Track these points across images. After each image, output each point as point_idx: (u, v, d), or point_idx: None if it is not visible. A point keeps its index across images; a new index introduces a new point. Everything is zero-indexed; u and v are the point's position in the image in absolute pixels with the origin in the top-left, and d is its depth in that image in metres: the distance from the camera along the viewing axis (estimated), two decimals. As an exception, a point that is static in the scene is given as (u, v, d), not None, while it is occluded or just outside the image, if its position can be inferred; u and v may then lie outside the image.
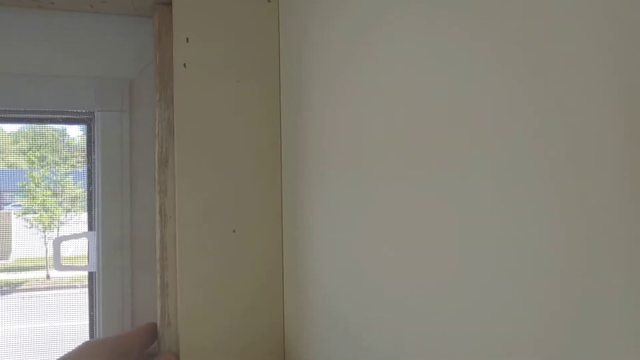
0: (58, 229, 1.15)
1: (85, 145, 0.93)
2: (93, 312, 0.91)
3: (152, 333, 0.84)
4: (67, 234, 0.91)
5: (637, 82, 0.26)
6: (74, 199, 1.14)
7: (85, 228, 1.13)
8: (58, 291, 1.18)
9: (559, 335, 0.32)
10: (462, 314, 0.43)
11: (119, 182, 0.86)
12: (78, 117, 0.89)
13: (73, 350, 0.74)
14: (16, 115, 0.89)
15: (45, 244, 1.17)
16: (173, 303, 0.85)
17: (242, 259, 0.85)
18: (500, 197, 0.37)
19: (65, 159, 1.12)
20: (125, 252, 0.87)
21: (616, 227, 0.28)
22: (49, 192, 1.13)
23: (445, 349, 0.46)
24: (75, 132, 1.09)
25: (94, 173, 0.88)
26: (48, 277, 1.18)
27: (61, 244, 0.88)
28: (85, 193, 0.93)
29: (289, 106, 0.83)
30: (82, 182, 1.11)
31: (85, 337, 0.98)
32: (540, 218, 0.34)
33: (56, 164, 1.11)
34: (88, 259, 0.89)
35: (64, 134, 1.09)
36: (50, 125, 0.96)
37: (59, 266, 0.88)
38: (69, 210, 1.15)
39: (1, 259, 1.16)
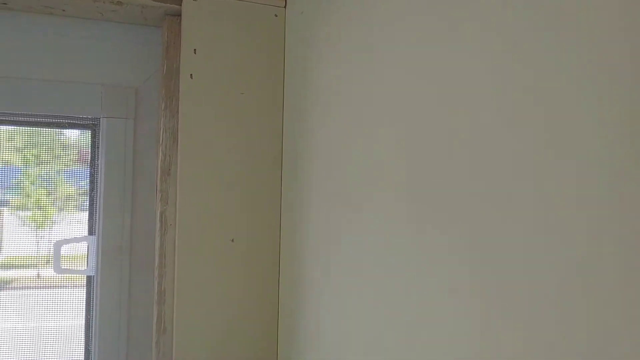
0: (50, 228, 1.17)
1: (89, 150, 0.96)
2: (89, 314, 0.94)
3: None
4: (68, 237, 0.94)
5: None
6: (67, 198, 1.16)
7: (79, 229, 1.16)
8: (49, 290, 1.20)
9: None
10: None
11: (121, 188, 0.90)
12: (83, 122, 0.92)
13: None
14: (23, 119, 0.92)
15: (37, 242, 1.18)
16: (169, 310, 0.88)
17: (240, 267, 0.89)
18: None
19: (60, 158, 1.14)
20: (124, 257, 0.90)
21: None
22: (43, 191, 1.14)
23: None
24: (72, 133, 1.12)
25: (97, 178, 0.91)
26: (39, 275, 1.20)
27: (61, 247, 0.90)
28: (87, 198, 0.96)
29: (292, 119, 0.87)
30: (75, 182, 1.14)
31: (80, 337, 1.01)
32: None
33: (50, 162, 1.13)
34: (87, 262, 0.92)
35: (60, 133, 1.11)
36: (56, 129, 0.99)
37: (58, 269, 0.91)
38: (61, 210, 1.17)
39: (-10, 256, 1.17)
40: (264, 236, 0.90)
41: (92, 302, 0.94)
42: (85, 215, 1.16)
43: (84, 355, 0.96)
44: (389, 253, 0.59)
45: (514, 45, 0.41)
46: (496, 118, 0.43)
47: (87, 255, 0.94)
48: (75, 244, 0.94)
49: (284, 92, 0.90)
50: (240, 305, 0.89)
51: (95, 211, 0.93)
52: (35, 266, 1.19)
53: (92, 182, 0.95)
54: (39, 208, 1.15)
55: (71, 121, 0.94)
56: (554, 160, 0.37)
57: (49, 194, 1.15)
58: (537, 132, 0.39)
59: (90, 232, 0.95)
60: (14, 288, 1.20)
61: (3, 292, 1.18)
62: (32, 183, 1.13)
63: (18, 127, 0.99)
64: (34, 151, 1.12)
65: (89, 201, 0.96)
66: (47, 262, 1.17)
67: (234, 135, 0.88)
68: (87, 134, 1.07)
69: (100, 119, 0.90)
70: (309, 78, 0.81)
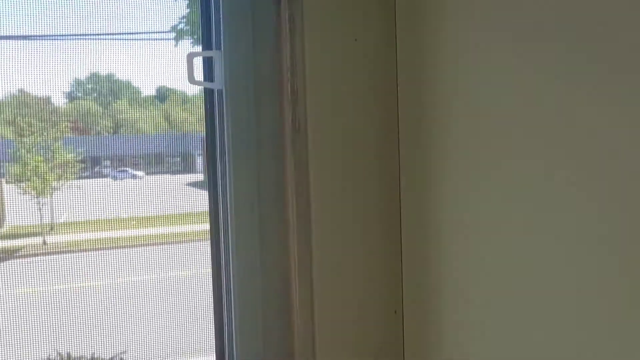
0: (51, 195, 1.12)
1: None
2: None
3: None
4: (197, 51, 0.93)
5: None
6: (65, 165, 1.13)
7: (80, 195, 1.14)
8: (56, 256, 1.13)
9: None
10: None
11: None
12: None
13: None
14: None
15: (40, 209, 1.11)
16: (302, 110, 0.89)
17: (361, 66, 0.93)
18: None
19: (56, 125, 1.13)
20: (249, 68, 0.91)
21: None
22: (40, 159, 1.11)
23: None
24: (60, 100, 1.12)
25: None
26: (44, 243, 1.12)
27: (193, 59, 0.90)
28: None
29: None
30: (73, 149, 1.13)
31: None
32: None
33: (46, 130, 1.11)
34: (215, 76, 0.91)
35: (48, 102, 1.11)
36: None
37: (192, 80, 0.90)
38: (60, 177, 1.12)
39: (-5, 227, 1.08)
40: (382, 37, 0.95)
41: (220, 117, 0.91)
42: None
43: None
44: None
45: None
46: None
47: (214, 70, 0.92)
48: (203, 56, 0.92)
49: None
50: (363, 104, 0.92)
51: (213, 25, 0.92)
52: (40, 234, 1.12)
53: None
54: (38, 176, 1.11)
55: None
56: None
57: (47, 162, 1.11)
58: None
59: (208, 47, 0.93)
60: (23, 256, 1.11)
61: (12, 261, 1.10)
62: (29, 151, 1.10)
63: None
64: (27, 119, 1.10)
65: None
66: (51, 229, 1.12)
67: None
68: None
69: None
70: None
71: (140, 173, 1.19)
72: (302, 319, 0.84)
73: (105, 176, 1.18)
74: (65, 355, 0.92)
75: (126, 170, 1.18)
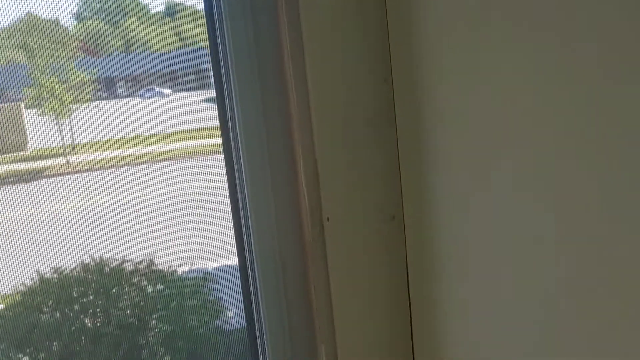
0: (70, 116, 1.11)
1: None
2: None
3: None
4: None
5: None
6: (82, 85, 1.12)
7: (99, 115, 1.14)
8: (81, 175, 1.14)
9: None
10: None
11: None
12: None
13: None
14: None
15: (60, 131, 1.11)
16: None
17: None
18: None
19: (66, 45, 1.11)
20: None
21: None
22: (55, 79, 1.09)
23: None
24: (69, 21, 1.10)
25: None
26: (68, 162, 1.12)
27: None
28: None
29: None
30: (86, 69, 1.12)
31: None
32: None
33: (57, 51, 1.08)
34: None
35: (57, 23, 1.09)
36: None
37: None
38: (77, 97, 1.11)
39: (18, 150, 1.08)
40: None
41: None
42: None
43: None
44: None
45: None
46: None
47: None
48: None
49: None
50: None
51: None
52: (63, 155, 1.12)
53: None
54: (55, 97, 1.09)
55: None
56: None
57: (62, 83, 1.10)
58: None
59: None
60: (48, 176, 1.12)
61: (38, 182, 1.12)
62: (43, 72, 1.08)
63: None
64: (37, 40, 1.08)
65: None
66: (73, 149, 1.13)
67: None
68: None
69: None
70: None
71: (167, 91, 1.17)
72: (311, 215, 0.84)
73: (133, 95, 1.17)
74: (98, 258, 0.95)
75: (153, 89, 1.16)
